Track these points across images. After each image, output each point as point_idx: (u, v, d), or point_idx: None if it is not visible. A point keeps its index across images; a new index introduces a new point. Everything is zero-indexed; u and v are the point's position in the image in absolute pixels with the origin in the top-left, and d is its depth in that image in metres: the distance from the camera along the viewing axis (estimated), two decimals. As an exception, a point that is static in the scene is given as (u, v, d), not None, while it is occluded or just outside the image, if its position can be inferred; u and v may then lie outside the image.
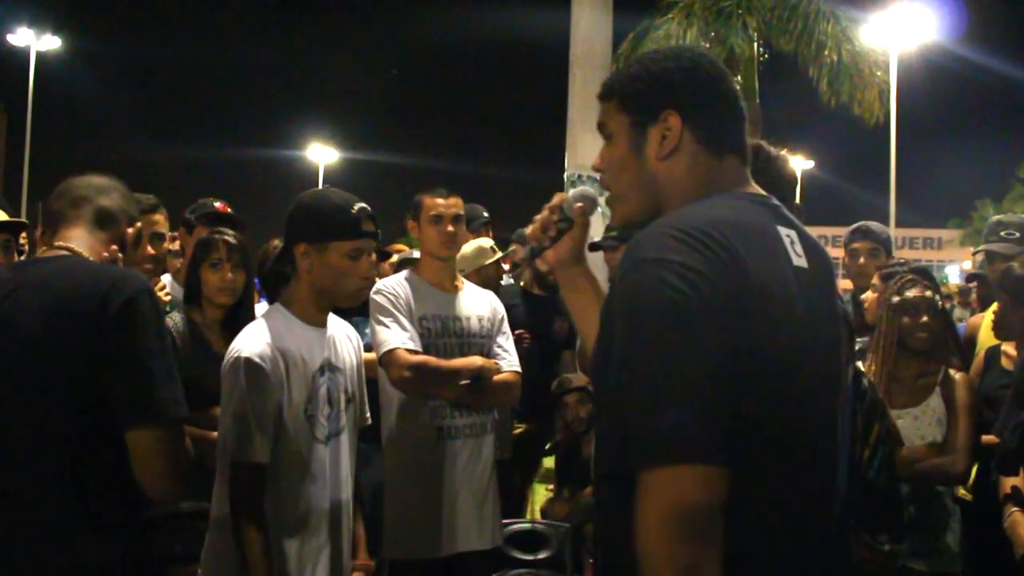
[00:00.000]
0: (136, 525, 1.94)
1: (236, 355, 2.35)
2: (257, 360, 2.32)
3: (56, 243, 2.01)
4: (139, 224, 2.15)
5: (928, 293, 3.23)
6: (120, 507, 1.89)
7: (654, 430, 1.24)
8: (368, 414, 2.79)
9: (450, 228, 3.24)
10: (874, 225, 4.20)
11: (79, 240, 2.02)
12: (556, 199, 1.85)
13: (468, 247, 4.14)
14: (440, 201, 3.27)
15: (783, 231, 1.44)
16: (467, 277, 3.58)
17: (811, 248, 1.49)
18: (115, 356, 1.82)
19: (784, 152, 2.32)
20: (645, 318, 1.29)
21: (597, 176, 1.65)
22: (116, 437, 1.85)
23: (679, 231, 1.32)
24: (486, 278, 4.07)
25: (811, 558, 1.40)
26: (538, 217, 1.86)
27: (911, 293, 3.21)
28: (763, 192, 1.53)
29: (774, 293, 1.34)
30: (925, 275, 3.38)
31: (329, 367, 2.50)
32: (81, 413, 1.84)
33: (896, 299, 3.22)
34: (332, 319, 2.62)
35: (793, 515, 1.36)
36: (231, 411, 2.32)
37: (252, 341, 2.38)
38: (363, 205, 2.44)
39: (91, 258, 1.99)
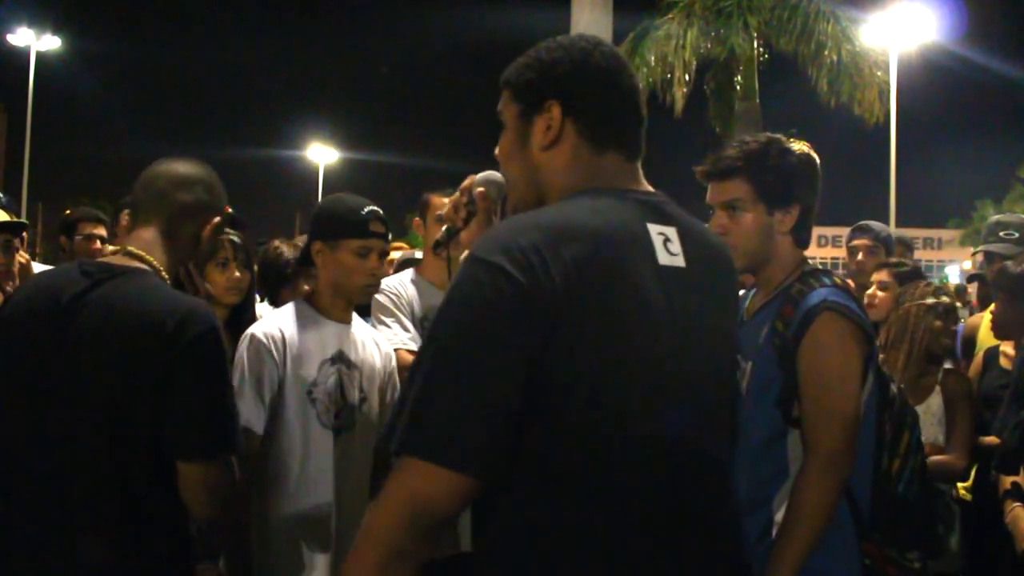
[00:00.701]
0: (174, 535, 1.93)
1: (245, 334, 2.54)
2: (261, 336, 2.49)
3: (131, 248, 1.97)
4: (217, 220, 2.08)
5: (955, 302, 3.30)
6: (153, 520, 1.88)
7: (423, 423, 1.25)
8: None
9: (456, 227, 3.25)
10: (874, 224, 4.23)
11: (153, 246, 1.98)
12: (466, 181, 1.84)
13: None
14: (447, 200, 3.27)
15: (656, 229, 1.41)
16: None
17: (697, 245, 1.46)
18: (174, 392, 1.82)
19: (802, 146, 2.23)
20: (452, 314, 1.29)
21: None
22: (151, 454, 1.84)
23: (510, 234, 1.30)
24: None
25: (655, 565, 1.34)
26: (451, 199, 1.87)
27: (946, 299, 3.25)
28: (648, 189, 1.49)
29: (611, 298, 1.30)
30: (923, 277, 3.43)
31: (344, 360, 2.56)
32: (118, 428, 1.82)
33: (932, 300, 3.24)
34: (362, 324, 2.71)
35: (624, 522, 1.31)
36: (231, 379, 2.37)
37: (263, 323, 2.59)
38: (374, 208, 2.58)
39: (164, 272, 1.96)
